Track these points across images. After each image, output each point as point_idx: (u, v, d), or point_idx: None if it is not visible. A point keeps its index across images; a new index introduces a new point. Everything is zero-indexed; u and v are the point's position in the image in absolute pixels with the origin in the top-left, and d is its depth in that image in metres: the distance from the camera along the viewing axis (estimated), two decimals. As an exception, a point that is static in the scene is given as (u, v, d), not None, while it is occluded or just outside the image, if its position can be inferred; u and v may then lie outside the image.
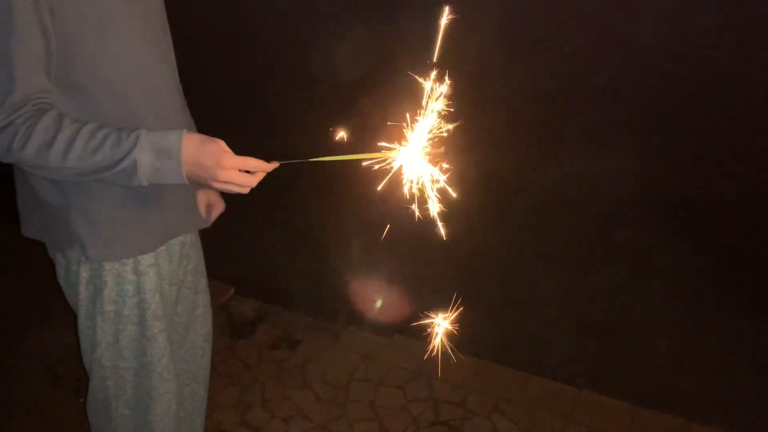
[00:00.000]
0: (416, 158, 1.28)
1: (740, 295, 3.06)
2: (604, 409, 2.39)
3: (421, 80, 1.30)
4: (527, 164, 3.97)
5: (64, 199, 1.32)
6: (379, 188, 1.29)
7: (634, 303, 3.00)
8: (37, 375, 2.56)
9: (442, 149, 1.29)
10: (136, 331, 1.45)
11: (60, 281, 1.47)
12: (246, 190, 1.25)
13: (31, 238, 1.45)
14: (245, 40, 5.35)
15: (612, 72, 4.84)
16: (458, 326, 1.38)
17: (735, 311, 2.96)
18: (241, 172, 1.23)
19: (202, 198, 1.58)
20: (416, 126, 1.29)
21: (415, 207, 1.31)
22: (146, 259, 1.41)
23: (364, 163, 1.28)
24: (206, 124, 1.75)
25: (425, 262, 3.10)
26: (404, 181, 1.30)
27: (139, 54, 1.33)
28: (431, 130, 1.30)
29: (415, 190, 1.30)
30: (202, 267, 1.69)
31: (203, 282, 1.70)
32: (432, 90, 1.30)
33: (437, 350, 1.35)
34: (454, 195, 1.31)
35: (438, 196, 1.31)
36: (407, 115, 1.30)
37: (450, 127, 1.30)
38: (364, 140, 1.33)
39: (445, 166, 1.30)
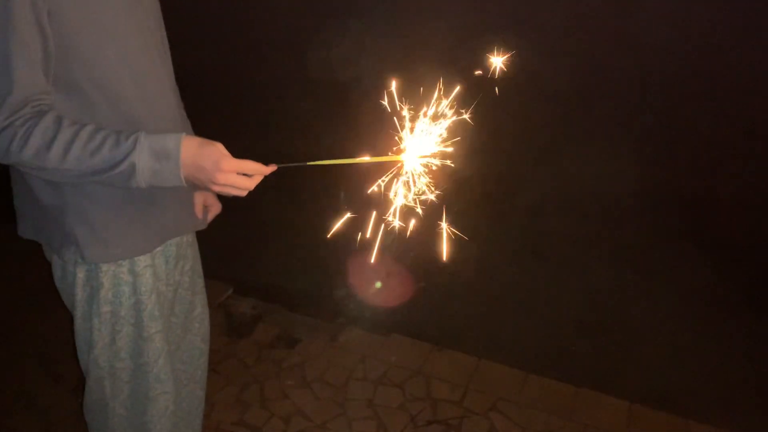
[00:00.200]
0: (415, 163, 1.29)
1: (738, 293, 3.06)
2: (603, 407, 2.39)
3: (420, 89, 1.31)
4: (526, 164, 3.98)
5: (60, 199, 1.32)
6: (371, 185, 1.30)
7: (632, 301, 3.01)
8: (37, 374, 2.56)
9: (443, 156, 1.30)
10: (133, 331, 1.45)
11: (56, 282, 1.47)
12: (244, 193, 1.26)
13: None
14: (242, 43, 5.35)
15: (611, 72, 4.85)
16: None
17: (733, 310, 2.97)
18: (239, 175, 1.23)
19: (199, 199, 1.58)
20: (415, 130, 1.30)
21: (419, 207, 1.32)
22: (143, 260, 1.41)
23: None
24: (203, 125, 1.76)
25: (421, 263, 3.11)
26: (401, 184, 1.30)
27: (137, 55, 1.33)
28: (431, 135, 1.30)
29: (410, 197, 1.31)
30: (199, 268, 1.69)
31: (200, 283, 1.70)
32: (437, 94, 1.30)
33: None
34: (449, 189, 1.31)
35: (435, 199, 1.31)
36: (406, 119, 1.30)
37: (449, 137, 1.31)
38: (363, 144, 1.33)
39: (440, 163, 1.30)
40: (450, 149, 1.30)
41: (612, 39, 5.09)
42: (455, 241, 1.34)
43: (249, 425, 2.34)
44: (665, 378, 2.57)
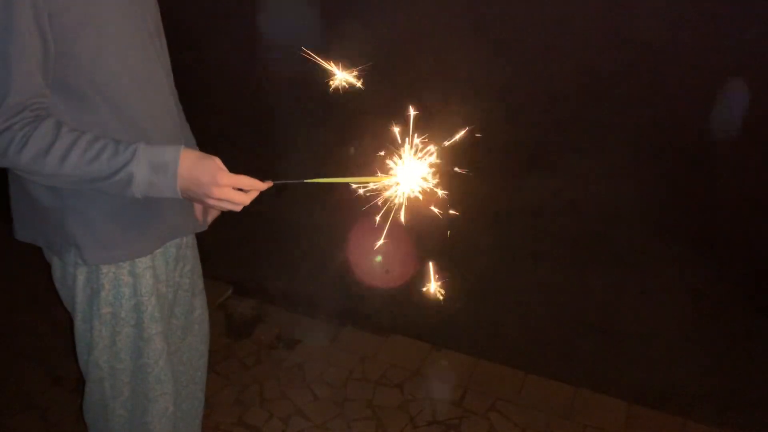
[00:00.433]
0: (412, 179, 1.30)
1: (737, 293, 3.07)
2: (602, 407, 2.40)
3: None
4: (526, 165, 3.98)
5: (60, 201, 1.33)
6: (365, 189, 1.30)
7: (631, 302, 3.01)
8: (36, 374, 2.57)
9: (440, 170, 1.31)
10: (133, 333, 1.46)
11: (56, 283, 1.48)
12: (238, 209, 1.27)
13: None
14: (241, 48, 5.35)
15: (610, 72, 4.85)
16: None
17: (732, 310, 2.97)
18: (235, 190, 1.24)
19: (199, 201, 1.59)
20: (410, 147, 1.31)
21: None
22: (143, 262, 1.42)
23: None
24: (202, 127, 1.76)
25: (420, 263, 3.11)
26: (398, 195, 1.31)
27: (136, 58, 1.34)
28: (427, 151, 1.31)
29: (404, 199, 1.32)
30: (198, 269, 1.70)
31: (200, 284, 1.71)
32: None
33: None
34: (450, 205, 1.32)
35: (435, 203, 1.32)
36: (401, 135, 1.31)
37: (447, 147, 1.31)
38: (360, 161, 1.34)
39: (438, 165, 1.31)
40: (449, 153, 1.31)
41: (611, 39, 5.10)
42: (454, 242, 1.34)
43: (248, 425, 2.35)
44: (664, 378, 2.58)
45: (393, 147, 1.30)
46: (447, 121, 1.35)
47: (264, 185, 1.28)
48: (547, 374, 2.54)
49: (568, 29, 5.15)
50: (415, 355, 2.64)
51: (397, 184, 1.31)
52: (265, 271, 3.22)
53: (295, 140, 4.25)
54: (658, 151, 4.12)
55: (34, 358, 2.65)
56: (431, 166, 1.32)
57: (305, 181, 1.31)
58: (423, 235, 1.31)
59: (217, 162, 1.24)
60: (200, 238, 1.69)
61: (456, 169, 1.32)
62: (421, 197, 1.33)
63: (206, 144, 1.66)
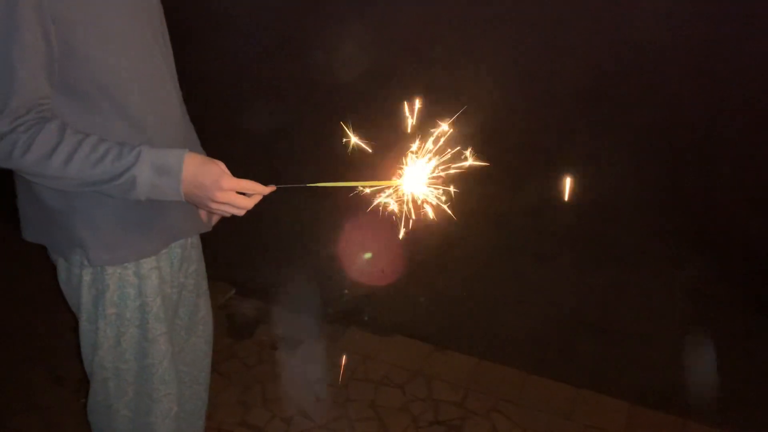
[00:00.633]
0: (418, 184, 1.31)
1: (737, 293, 3.07)
2: (603, 407, 2.40)
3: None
4: (526, 165, 3.98)
5: (66, 203, 1.33)
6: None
7: (632, 302, 3.01)
8: (38, 375, 2.57)
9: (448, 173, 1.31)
10: (138, 333, 1.46)
11: (61, 284, 1.48)
12: (242, 213, 1.28)
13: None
14: (245, 48, 5.35)
15: (612, 73, 4.85)
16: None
17: (734, 309, 2.97)
18: (238, 194, 1.25)
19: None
20: (417, 153, 1.31)
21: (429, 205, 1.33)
22: (148, 263, 1.42)
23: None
24: (204, 128, 1.77)
25: (423, 264, 3.12)
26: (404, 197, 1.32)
27: (141, 60, 1.34)
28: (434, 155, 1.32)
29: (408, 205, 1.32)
30: (203, 270, 1.70)
31: (204, 285, 1.71)
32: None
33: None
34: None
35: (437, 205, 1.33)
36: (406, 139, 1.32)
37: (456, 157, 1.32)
38: (364, 165, 1.35)
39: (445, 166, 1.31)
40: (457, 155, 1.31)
41: (612, 39, 5.10)
42: (455, 243, 1.35)
43: (251, 426, 2.35)
44: (665, 378, 2.58)
45: (397, 150, 1.31)
46: (451, 122, 1.35)
47: (267, 189, 1.29)
48: (548, 375, 2.54)
49: (569, 30, 5.16)
50: (417, 355, 2.64)
51: (400, 185, 1.32)
52: (267, 272, 3.22)
53: (298, 144, 4.26)
54: (659, 151, 4.12)
55: (35, 358, 2.65)
56: (434, 169, 1.32)
57: (308, 185, 1.32)
58: (425, 236, 1.31)
59: (221, 166, 1.25)
60: (203, 238, 1.69)
61: (462, 163, 1.32)
62: (423, 199, 1.33)
63: (210, 145, 1.67)
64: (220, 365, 2.56)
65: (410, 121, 1.32)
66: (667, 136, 4.27)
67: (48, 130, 1.19)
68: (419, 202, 1.33)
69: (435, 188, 1.33)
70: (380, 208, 1.33)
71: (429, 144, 1.32)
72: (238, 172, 1.28)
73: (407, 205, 1.33)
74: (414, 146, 1.32)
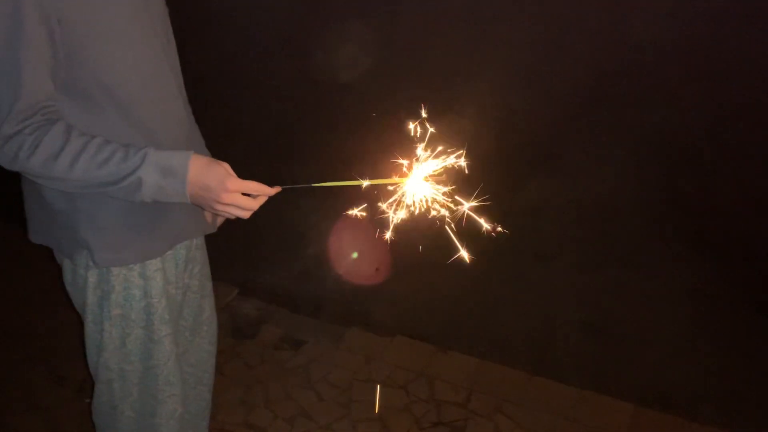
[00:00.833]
0: (420, 182, 1.31)
1: (739, 293, 3.07)
2: (606, 408, 2.40)
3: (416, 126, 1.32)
4: (527, 165, 3.98)
5: (72, 204, 1.33)
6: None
7: (635, 302, 3.01)
8: (41, 375, 2.57)
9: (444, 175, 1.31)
10: (143, 334, 1.46)
11: (66, 285, 1.48)
12: (247, 215, 1.28)
13: (35, 241, 1.47)
14: (250, 48, 5.35)
15: (613, 73, 4.85)
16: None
17: (734, 310, 2.97)
18: (244, 195, 1.25)
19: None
20: (419, 151, 1.31)
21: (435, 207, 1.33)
22: (153, 264, 1.42)
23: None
24: (208, 128, 1.76)
25: (425, 264, 3.11)
26: (406, 198, 1.32)
27: (145, 60, 1.34)
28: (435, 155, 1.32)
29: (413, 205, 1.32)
30: (207, 271, 1.70)
31: (209, 286, 1.71)
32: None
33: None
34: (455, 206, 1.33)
35: (439, 205, 1.33)
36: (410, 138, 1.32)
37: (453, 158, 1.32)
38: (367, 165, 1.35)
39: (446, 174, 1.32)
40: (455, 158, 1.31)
41: (614, 40, 5.09)
42: (458, 242, 1.35)
43: (253, 426, 2.35)
44: (670, 380, 2.58)
45: (401, 150, 1.31)
46: (452, 122, 1.35)
47: (272, 190, 1.29)
48: (551, 375, 2.54)
49: (571, 30, 5.15)
50: (420, 356, 2.64)
51: (404, 184, 1.32)
52: (270, 273, 3.22)
53: (303, 145, 4.25)
54: (660, 151, 4.11)
55: (36, 358, 2.65)
56: (438, 168, 1.32)
57: (313, 185, 1.32)
58: (427, 236, 1.31)
59: (226, 167, 1.25)
60: (206, 239, 1.69)
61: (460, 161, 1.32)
62: (427, 199, 1.33)
63: (215, 147, 1.67)
64: (223, 365, 2.56)
65: (411, 124, 1.32)
66: (668, 136, 4.26)
67: (54, 132, 1.18)
68: (422, 201, 1.33)
69: (436, 187, 1.33)
70: (384, 206, 1.33)
71: (429, 144, 1.32)
72: (241, 173, 1.28)
73: (411, 203, 1.32)
74: (416, 146, 1.32)
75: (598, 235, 3.45)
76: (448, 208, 1.32)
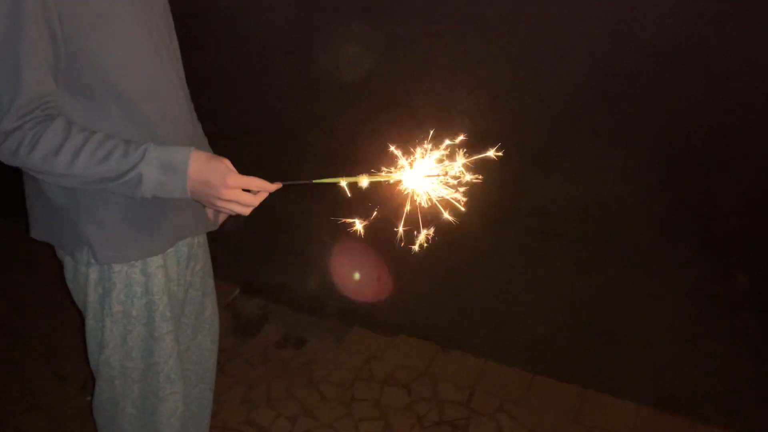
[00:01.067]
0: (420, 179, 1.30)
1: (744, 294, 3.06)
2: (609, 409, 2.39)
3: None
4: (531, 166, 3.97)
5: (73, 201, 1.33)
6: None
7: (639, 302, 3.00)
8: (43, 373, 2.57)
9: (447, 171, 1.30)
10: (144, 332, 1.46)
11: (68, 282, 1.48)
12: (248, 211, 1.27)
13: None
14: (251, 47, 5.35)
15: (618, 74, 4.84)
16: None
17: (739, 311, 2.96)
18: (244, 191, 1.24)
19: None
20: (420, 148, 1.31)
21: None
22: (155, 261, 1.42)
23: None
24: (211, 127, 1.76)
25: (428, 263, 3.11)
26: (407, 195, 1.32)
27: (147, 57, 1.34)
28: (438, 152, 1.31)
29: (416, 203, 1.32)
30: (209, 268, 1.70)
31: (211, 283, 1.71)
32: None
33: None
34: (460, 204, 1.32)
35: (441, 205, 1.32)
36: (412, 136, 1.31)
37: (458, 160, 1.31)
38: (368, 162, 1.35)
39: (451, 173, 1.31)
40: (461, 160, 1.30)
41: (619, 41, 5.09)
42: (459, 243, 1.35)
43: (255, 425, 2.35)
44: (673, 380, 2.57)
45: (400, 147, 1.30)
46: (455, 122, 1.35)
47: (273, 186, 1.28)
48: (554, 375, 2.53)
49: (576, 31, 5.15)
50: (422, 355, 2.63)
51: (404, 181, 1.31)
52: (272, 271, 3.22)
53: (304, 142, 4.26)
54: (665, 152, 4.10)
55: (39, 357, 2.65)
56: (438, 164, 1.32)
57: (314, 181, 1.32)
58: (428, 236, 1.31)
59: (227, 163, 1.25)
60: (208, 237, 1.69)
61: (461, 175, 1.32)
62: (428, 197, 1.33)
63: (217, 144, 1.66)
64: (225, 364, 2.56)
65: (410, 121, 1.32)
66: (673, 136, 4.25)
67: (54, 127, 1.18)
68: (424, 199, 1.33)
69: (437, 183, 1.32)
70: (386, 205, 1.32)
71: (430, 142, 1.31)
72: (242, 169, 1.27)
73: (412, 201, 1.32)
74: (417, 145, 1.31)
75: (601, 235, 3.44)
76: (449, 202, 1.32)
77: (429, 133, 1.31)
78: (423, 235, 1.32)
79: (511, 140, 3.96)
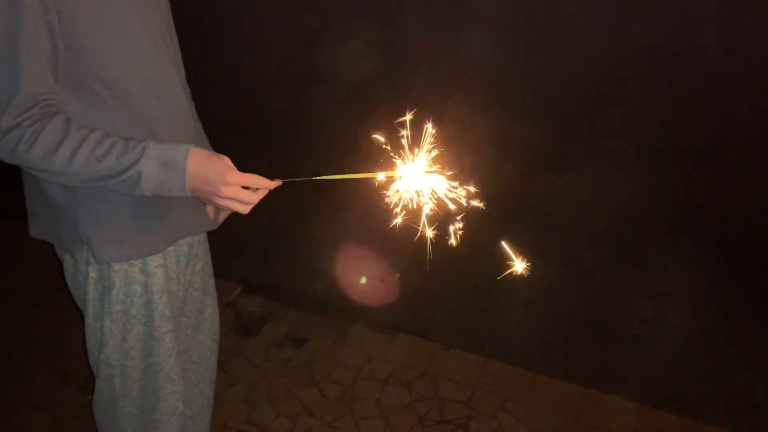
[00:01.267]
0: (418, 175, 1.30)
1: (746, 292, 3.05)
2: (611, 408, 2.39)
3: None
4: (532, 165, 3.97)
5: (73, 199, 1.32)
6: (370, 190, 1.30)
7: (639, 302, 3.00)
8: (44, 372, 2.57)
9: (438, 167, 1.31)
10: (144, 331, 1.45)
11: (68, 281, 1.48)
12: (247, 209, 1.27)
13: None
14: (251, 43, 5.35)
15: (621, 73, 4.83)
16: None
17: (741, 310, 2.95)
18: (244, 189, 1.24)
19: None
20: (416, 143, 1.31)
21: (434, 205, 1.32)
22: (154, 260, 1.41)
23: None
24: (211, 125, 1.76)
25: (431, 261, 3.10)
26: (406, 193, 1.31)
27: (146, 54, 1.33)
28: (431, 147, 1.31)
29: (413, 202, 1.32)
30: (210, 268, 1.69)
31: (211, 283, 1.70)
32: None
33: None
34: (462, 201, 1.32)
35: (440, 203, 1.32)
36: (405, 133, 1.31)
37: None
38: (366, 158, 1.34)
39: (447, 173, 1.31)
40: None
41: (621, 41, 5.07)
42: (460, 243, 1.35)
43: (256, 424, 2.35)
44: (674, 379, 2.56)
45: (399, 145, 1.30)
46: (455, 121, 1.34)
47: (273, 184, 1.28)
48: (556, 375, 2.53)
49: (579, 31, 5.13)
50: (423, 354, 2.63)
51: (399, 178, 1.31)
52: (273, 270, 3.21)
53: (304, 139, 4.25)
54: (667, 152, 4.09)
55: (41, 356, 2.65)
56: (435, 162, 1.32)
57: (314, 178, 1.31)
58: (429, 235, 1.31)
59: (226, 161, 1.24)
60: (209, 235, 1.68)
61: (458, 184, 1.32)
62: (426, 194, 1.32)
63: (217, 142, 1.66)
64: (226, 363, 2.56)
65: (407, 118, 1.31)
66: (676, 136, 4.24)
67: (53, 124, 1.18)
68: (424, 198, 1.32)
69: (435, 182, 1.32)
70: (387, 203, 1.32)
71: (430, 143, 1.31)
72: (241, 167, 1.27)
73: (412, 199, 1.32)
74: (416, 143, 1.31)
75: (604, 235, 3.44)
76: (447, 201, 1.31)
77: (426, 132, 1.31)
78: (452, 229, 1.32)
79: (513, 139, 3.98)
